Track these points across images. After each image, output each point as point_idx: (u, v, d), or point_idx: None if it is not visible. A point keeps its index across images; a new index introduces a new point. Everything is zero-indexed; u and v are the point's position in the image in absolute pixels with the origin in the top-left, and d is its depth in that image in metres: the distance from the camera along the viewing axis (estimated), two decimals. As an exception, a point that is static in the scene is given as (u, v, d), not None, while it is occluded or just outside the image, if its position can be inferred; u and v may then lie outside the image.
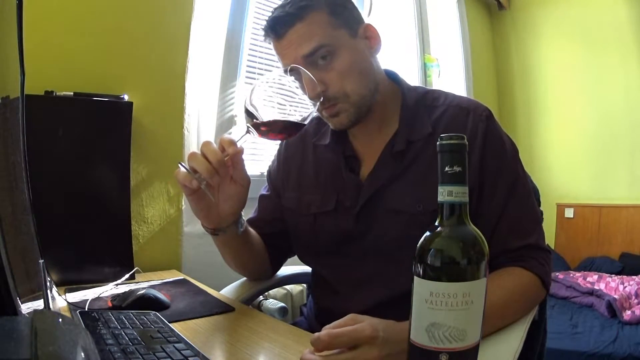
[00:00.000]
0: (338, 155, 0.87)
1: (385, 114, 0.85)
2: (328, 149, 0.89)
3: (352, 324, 0.57)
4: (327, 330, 0.55)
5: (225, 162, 0.70)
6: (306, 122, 0.74)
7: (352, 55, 0.78)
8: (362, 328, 0.55)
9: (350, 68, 0.77)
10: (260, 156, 1.74)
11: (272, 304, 1.34)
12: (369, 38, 0.82)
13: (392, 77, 0.88)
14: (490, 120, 0.80)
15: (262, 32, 0.81)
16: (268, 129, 0.72)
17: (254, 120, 0.71)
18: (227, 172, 0.73)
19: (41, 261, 0.62)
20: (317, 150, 0.92)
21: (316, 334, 0.55)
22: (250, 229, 0.89)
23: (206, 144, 0.70)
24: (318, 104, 0.74)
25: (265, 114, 0.71)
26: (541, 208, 0.89)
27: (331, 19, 0.77)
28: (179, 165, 0.70)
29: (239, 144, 0.71)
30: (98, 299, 0.88)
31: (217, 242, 0.85)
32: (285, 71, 0.75)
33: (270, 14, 0.80)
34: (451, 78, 2.75)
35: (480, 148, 0.77)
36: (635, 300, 2.15)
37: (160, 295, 0.85)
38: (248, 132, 0.72)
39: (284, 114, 0.74)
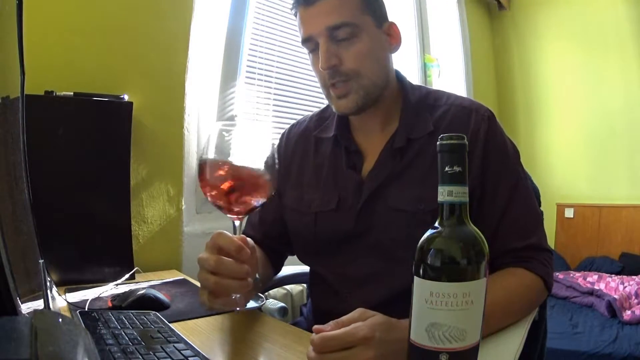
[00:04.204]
0: (341, 150, 0.86)
1: (388, 112, 0.85)
2: (330, 142, 0.88)
3: (359, 320, 0.56)
4: (320, 334, 0.54)
5: (248, 270, 0.64)
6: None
7: (373, 43, 0.79)
8: (355, 330, 0.54)
9: (368, 53, 0.78)
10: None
11: (272, 304, 1.34)
12: (391, 36, 0.84)
13: (396, 76, 0.88)
14: (492, 121, 0.80)
15: (291, 4, 0.80)
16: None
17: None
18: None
19: (41, 261, 0.62)
20: (319, 145, 0.91)
21: (315, 331, 0.55)
22: (256, 247, 0.80)
23: (225, 264, 0.62)
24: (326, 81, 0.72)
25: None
26: (541, 208, 0.89)
27: (362, 4, 0.78)
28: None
29: (237, 236, 0.66)
30: (98, 299, 0.88)
31: None
32: (303, 41, 0.74)
33: (270, 13, 0.79)
34: (451, 78, 2.75)
35: (482, 148, 0.77)
36: (635, 300, 2.15)
37: (160, 295, 0.85)
38: (233, 221, 0.67)
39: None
